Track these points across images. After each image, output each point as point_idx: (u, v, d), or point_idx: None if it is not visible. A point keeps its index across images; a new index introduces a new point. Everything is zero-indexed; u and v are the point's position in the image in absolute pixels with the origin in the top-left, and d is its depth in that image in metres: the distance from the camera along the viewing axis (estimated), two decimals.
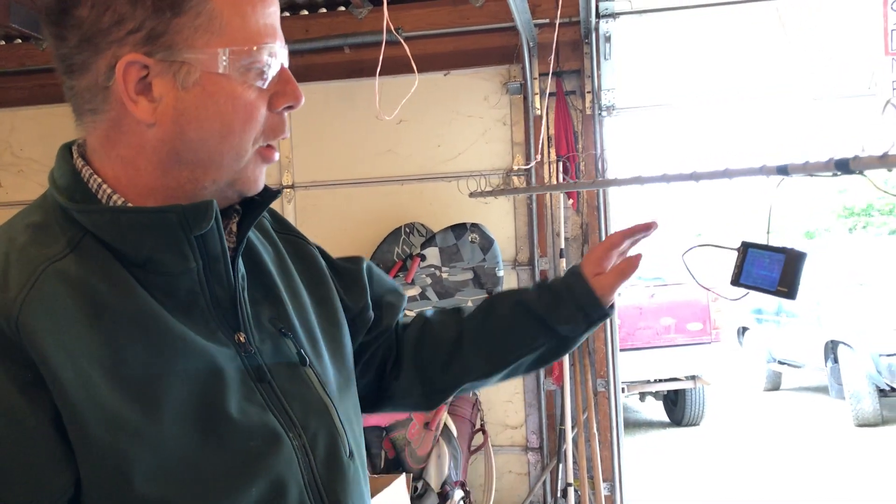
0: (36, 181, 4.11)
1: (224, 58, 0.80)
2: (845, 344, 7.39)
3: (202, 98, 0.80)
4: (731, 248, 1.18)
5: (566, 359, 3.61)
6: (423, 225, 3.78)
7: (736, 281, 1.16)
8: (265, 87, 0.83)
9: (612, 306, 1.15)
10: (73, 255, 0.79)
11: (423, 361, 1.17)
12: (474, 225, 3.68)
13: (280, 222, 1.07)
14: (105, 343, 0.76)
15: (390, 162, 3.88)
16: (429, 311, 1.24)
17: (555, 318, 1.14)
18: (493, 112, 3.81)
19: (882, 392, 7.14)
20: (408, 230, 3.77)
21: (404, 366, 1.18)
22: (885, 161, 0.95)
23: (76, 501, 0.76)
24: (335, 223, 3.97)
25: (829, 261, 8.12)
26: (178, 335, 0.81)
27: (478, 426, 3.65)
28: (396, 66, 3.31)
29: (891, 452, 6.33)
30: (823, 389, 8.54)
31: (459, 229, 3.68)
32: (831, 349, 7.71)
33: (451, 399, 1.21)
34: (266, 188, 0.91)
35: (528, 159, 3.68)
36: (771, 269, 1.12)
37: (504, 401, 3.79)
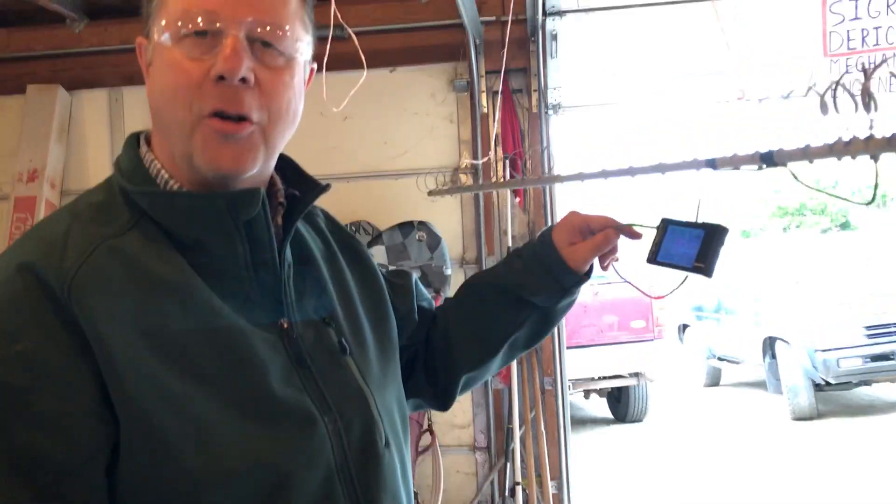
0: None
1: (162, 28, 0.84)
2: (782, 340, 7.59)
3: (155, 69, 0.87)
4: (651, 227, 1.13)
5: None
6: (369, 223, 3.73)
7: (653, 259, 1.11)
8: (206, 55, 0.84)
9: (587, 272, 1.15)
10: (129, 234, 0.84)
11: (427, 364, 1.21)
12: (421, 223, 3.64)
13: (334, 223, 1.14)
14: (149, 313, 0.80)
15: (335, 159, 3.81)
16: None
17: (527, 290, 1.15)
18: (440, 109, 3.78)
19: (817, 386, 7.36)
20: (353, 229, 3.71)
21: (416, 368, 1.21)
22: (807, 153, 0.98)
23: (112, 470, 0.79)
24: None
25: (765, 259, 8.33)
26: (223, 315, 0.84)
27: (425, 426, 3.61)
28: (341, 62, 3.25)
29: (825, 445, 6.52)
30: (762, 384, 8.77)
31: (406, 227, 3.64)
32: (769, 345, 7.91)
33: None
34: (313, 181, 0.98)
35: (475, 157, 3.66)
36: (690, 246, 1.06)
37: None
